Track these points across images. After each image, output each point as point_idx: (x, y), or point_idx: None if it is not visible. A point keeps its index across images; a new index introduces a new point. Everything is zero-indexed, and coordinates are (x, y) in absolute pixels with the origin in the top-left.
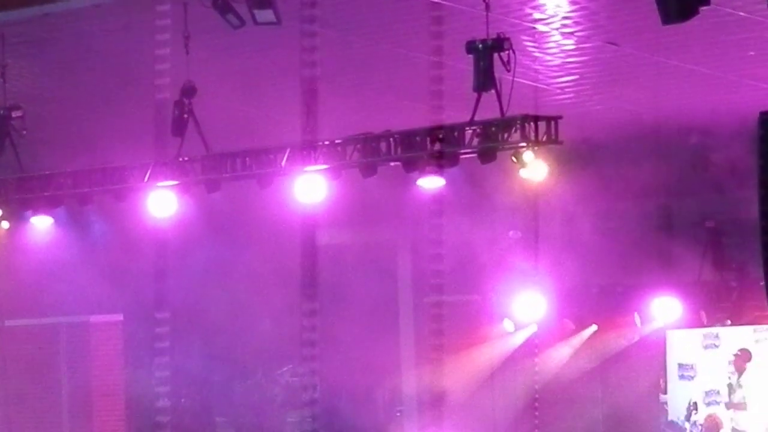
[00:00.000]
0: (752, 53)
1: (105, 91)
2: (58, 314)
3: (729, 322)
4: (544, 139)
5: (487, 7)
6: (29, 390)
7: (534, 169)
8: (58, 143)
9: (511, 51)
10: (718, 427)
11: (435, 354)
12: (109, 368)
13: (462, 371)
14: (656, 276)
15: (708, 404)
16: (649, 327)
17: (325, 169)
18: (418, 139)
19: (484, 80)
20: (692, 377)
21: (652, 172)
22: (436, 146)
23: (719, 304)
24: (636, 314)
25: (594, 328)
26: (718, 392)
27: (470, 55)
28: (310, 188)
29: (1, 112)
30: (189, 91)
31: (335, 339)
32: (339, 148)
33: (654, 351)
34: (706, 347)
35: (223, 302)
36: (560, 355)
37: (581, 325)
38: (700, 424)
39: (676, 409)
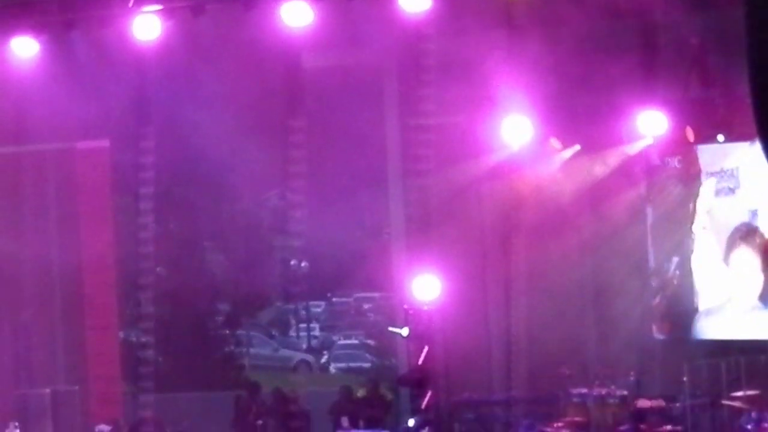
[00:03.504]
0: None
1: None
2: (44, 141)
3: (722, 138)
4: None
5: None
6: (17, 218)
7: None
8: None
9: None
10: None
11: (421, 176)
12: (96, 195)
13: (448, 192)
14: (642, 94)
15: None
16: (635, 144)
17: None
18: None
19: None
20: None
21: None
22: None
23: (705, 120)
24: (623, 133)
25: (577, 147)
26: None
27: None
28: (295, 12)
29: None
30: None
31: (320, 162)
32: None
33: (640, 169)
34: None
35: (209, 128)
36: (546, 174)
37: (567, 146)
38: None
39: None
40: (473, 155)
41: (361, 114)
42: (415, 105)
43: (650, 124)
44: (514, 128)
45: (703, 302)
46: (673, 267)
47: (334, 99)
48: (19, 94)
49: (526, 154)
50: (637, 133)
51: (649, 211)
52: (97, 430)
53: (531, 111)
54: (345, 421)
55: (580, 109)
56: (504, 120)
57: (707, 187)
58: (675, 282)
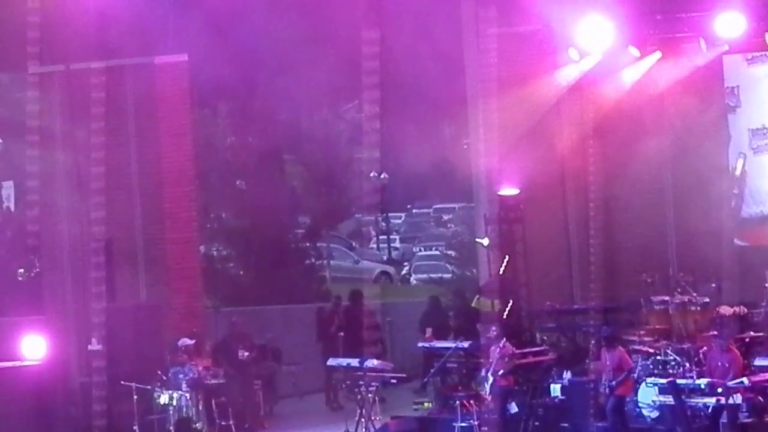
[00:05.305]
0: None
1: None
2: (123, 56)
3: None
4: None
5: None
6: (97, 133)
7: None
8: None
9: None
10: None
11: (500, 85)
12: (175, 109)
13: (528, 101)
14: None
15: None
16: (713, 51)
17: None
18: None
19: None
20: None
21: None
22: None
23: None
24: (701, 39)
25: (658, 54)
26: None
27: None
28: None
29: None
30: None
31: (397, 72)
32: None
33: (719, 76)
34: None
35: (286, 39)
36: (624, 81)
37: (645, 53)
38: None
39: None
40: (552, 65)
41: (439, 26)
42: (492, 14)
43: (728, 26)
44: (594, 31)
45: None
46: (740, 168)
47: (410, 7)
48: (99, 9)
49: (604, 63)
50: (715, 38)
51: (726, 115)
52: (179, 343)
53: (612, 14)
54: (429, 332)
55: (658, 16)
56: (583, 22)
57: None
58: (746, 182)
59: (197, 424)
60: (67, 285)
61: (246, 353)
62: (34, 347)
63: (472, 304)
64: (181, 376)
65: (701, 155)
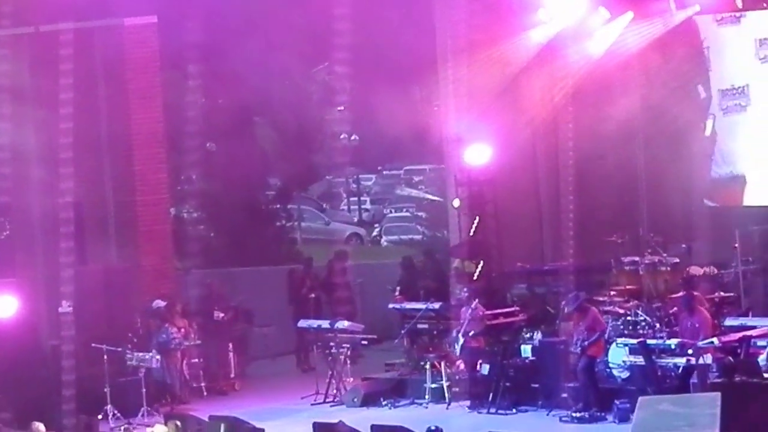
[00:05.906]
0: None
1: None
2: (92, 18)
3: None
4: None
5: None
6: (65, 96)
7: None
8: None
9: None
10: None
11: (470, 47)
12: (145, 72)
13: (498, 63)
14: None
15: None
16: (684, 12)
17: None
18: None
19: None
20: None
21: None
22: None
23: None
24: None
25: (629, 15)
26: None
27: None
28: None
29: None
30: None
31: (368, 34)
32: None
33: (689, 38)
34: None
35: (255, 2)
36: (595, 42)
37: (616, 13)
38: None
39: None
40: (522, 26)
41: None
42: None
43: None
44: None
45: (751, 168)
46: (709, 129)
47: None
48: None
49: (575, 24)
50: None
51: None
52: (153, 305)
53: None
54: (397, 291)
55: None
56: None
57: (755, 53)
58: (716, 143)
59: (175, 388)
60: (38, 247)
61: (222, 315)
62: (4, 307)
63: (454, 265)
64: (163, 337)
65: (672, 116)
